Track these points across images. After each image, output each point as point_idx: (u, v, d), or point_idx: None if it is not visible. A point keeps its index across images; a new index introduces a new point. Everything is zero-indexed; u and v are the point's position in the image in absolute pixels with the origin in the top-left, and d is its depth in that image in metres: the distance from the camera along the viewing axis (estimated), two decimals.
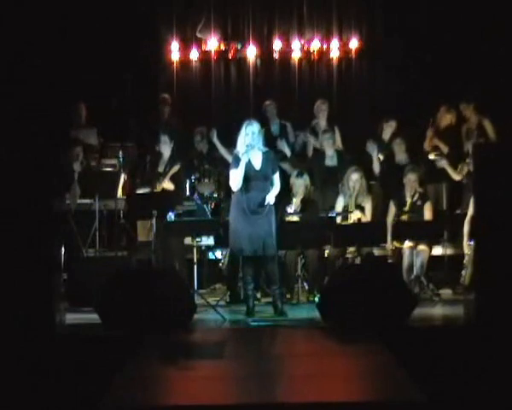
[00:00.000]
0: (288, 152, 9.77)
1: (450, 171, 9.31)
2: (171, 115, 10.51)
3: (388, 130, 9.92)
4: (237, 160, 7.66)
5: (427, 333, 6.91)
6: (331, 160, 9.56)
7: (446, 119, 9.80)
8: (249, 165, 7.65)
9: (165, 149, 9.10)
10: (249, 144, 7.62)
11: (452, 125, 9.78)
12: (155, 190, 8.81)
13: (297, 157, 9.87)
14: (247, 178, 7.64)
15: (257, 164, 7.71)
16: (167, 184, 8.86)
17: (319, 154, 9.68)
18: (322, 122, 10.02)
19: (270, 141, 10.06)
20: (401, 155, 9.55)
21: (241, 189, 7.67)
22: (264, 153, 7.76)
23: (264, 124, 9.98)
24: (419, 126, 9.95)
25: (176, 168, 8.99)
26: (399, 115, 10.04)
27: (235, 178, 7.67)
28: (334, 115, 10.26)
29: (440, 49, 10.44)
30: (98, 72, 10.34)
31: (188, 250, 8.78)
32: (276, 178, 7.79)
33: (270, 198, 7.65)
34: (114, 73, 10.43)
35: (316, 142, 9.85)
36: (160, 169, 9.05)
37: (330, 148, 9.56)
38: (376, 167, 9.60)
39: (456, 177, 9.32)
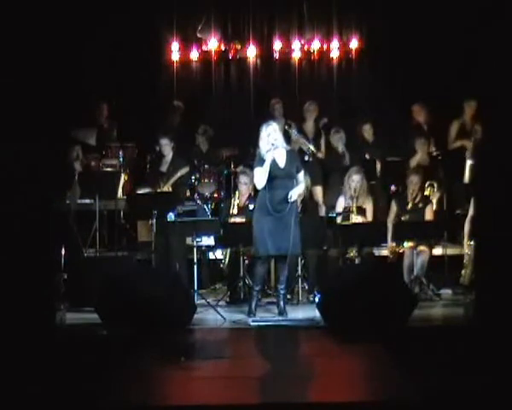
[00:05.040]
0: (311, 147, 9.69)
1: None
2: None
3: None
4: (261, 159, 7.62)
5: (427, 333, 6.91)
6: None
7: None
8: (274, 163, 7.61)
9: (167, 151, 9.09)
10: (274, 143, 7.58)
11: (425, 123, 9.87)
12: (158, 191, 8.83)
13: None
14: (272, 177, 7.59)
15: (281, 162, 7.67)
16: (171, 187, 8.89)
17: (336, 154, 9.67)
18: (309, 123, 10.00)
19: None
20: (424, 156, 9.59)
21: (265, 187, 7.64)
22: (288, 151, 7.75)
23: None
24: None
25: (184, 171, 9.00)
26: (398, 116, 10.06)
27: (261, 177, 7.60)
28: (335, 115, 10.27)
29: (440, 48, 10.41)
30: (98, 72, 10.33)
31: (188, 250, 8.78)
32: (301, 176, 7.76)
33: (293, 194, 7.58)
34: (115, 74, 10.43)
35: (304, 142, 9.78)
36: (163, 169, 9.06)
37: (341, 147, 9.58)
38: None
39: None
